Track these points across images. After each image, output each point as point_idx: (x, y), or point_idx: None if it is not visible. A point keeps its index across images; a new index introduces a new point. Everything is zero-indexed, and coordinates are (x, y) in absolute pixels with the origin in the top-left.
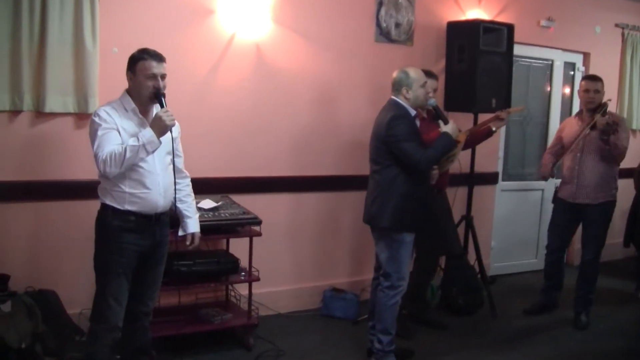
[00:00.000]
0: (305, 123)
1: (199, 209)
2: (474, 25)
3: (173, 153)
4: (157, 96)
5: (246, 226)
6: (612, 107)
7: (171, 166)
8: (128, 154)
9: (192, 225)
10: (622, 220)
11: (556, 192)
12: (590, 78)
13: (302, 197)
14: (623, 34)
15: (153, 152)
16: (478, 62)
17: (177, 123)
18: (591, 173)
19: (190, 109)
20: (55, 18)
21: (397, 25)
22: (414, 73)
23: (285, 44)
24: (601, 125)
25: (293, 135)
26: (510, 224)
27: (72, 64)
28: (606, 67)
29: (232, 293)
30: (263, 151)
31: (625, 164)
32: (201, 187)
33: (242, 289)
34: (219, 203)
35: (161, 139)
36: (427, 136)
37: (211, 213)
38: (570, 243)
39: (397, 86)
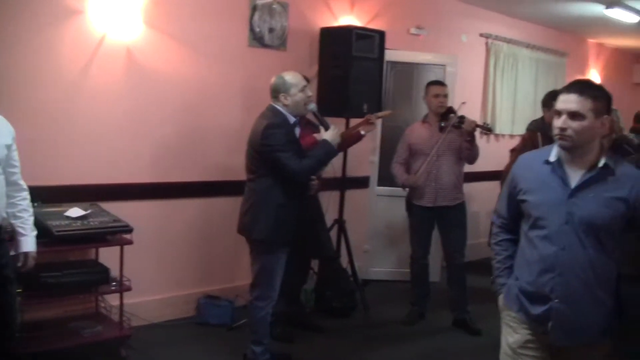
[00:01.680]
0: (178, 128)
1: (67, 217)
2: (347, 32)
3: None
4: None
5: (117, 234)
6: (475, 113)
7: (3, 177)
8: None
9: (26, 243)
10: (487, 220)
11: (409, 199)
12: (438, 83)
13: (174, 204)
14: (487, 43)
15: None
16: (351, 68)
17: (11, 128)
18: (448, 175)
19: (58, 112)
20: None
21: (271, 30)
22: (292, 78)
23: (157, 46)
24: (470, 127)
25: (165, 140)
26: (389, 230)
27: None
28: (472, 74)
29: (103, 304)
30: (134, 157)
31: (491, 166)
32: (68, 194)
33: (114, 300)
34: (88, 211)
35: None
36: (304, 141)
37: (79, 222)
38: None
39: (275, 92)
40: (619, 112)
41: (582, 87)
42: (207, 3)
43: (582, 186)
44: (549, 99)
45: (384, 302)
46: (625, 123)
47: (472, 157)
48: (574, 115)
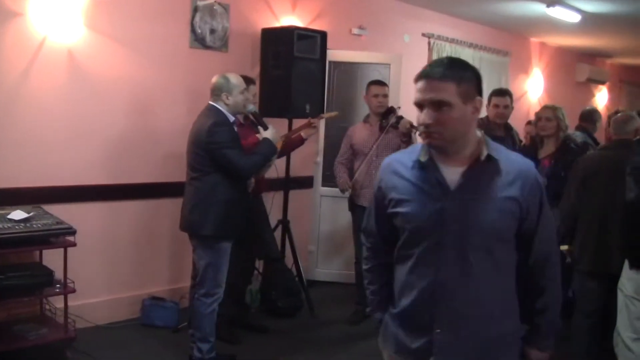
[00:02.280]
0: (120, 130)
1: (9, 220)
2: (288, 32)
3: None
4: None
5: (60, 237)
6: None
7: None
8: None
9: None
10: None
11: (352, 199)
12: (378, 83)
13: (118, 206)
14: (429, 43)
15: None
16: (292, 69)
17: None
18: None
19: None
20: None
21: (212, 31)
22: (235, 79)
23: (98, 48)
24: (404, 128)
25: (108, 142)
26: (333, 230)
27: None
28: (415, 75)
29: (47, 307)
30: (77, 159)
31: None
32: (11, 197)
33: (58, 302)
34: (31, 214)
35: None
36: (245, 142)
37: (22, 224)
38: None
39: (217, 92)
40: (563, 110)
41: (442, 69)
42: (148, 5)
43: (464, 187)
44: (489, 97)
45: (330, 303)
46: (570, 121)
47: None
48: (438, 105)
